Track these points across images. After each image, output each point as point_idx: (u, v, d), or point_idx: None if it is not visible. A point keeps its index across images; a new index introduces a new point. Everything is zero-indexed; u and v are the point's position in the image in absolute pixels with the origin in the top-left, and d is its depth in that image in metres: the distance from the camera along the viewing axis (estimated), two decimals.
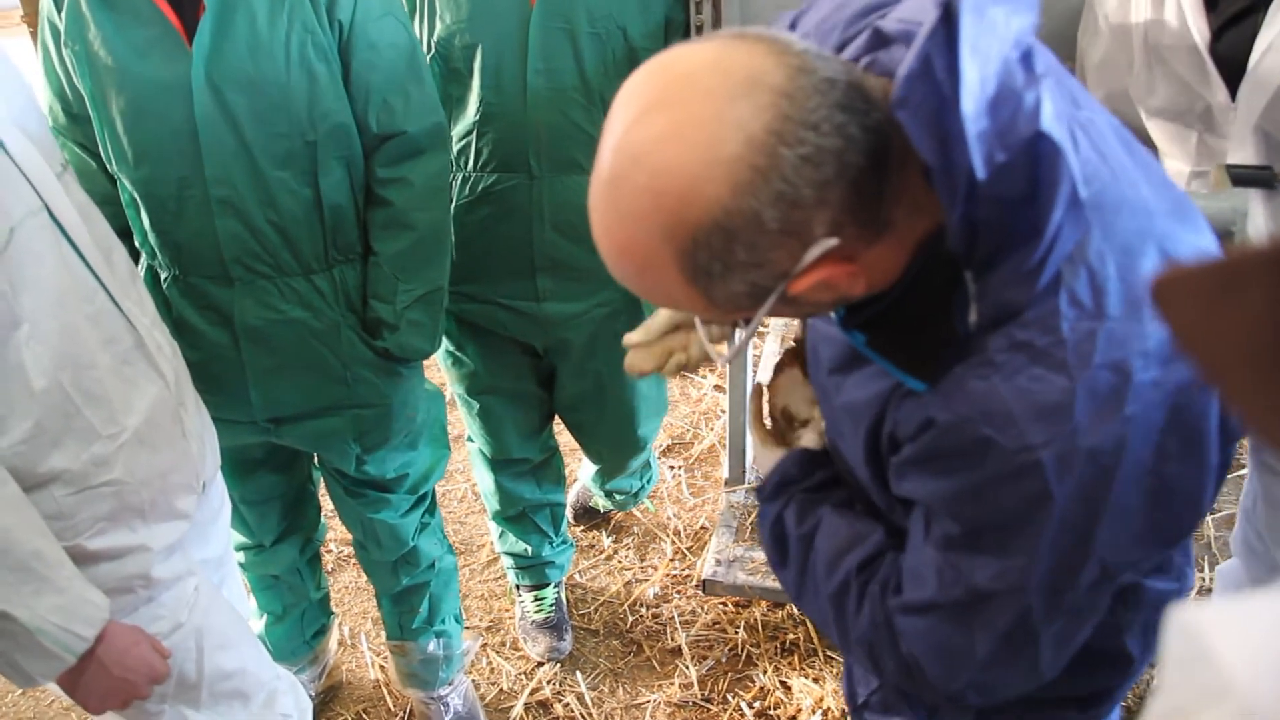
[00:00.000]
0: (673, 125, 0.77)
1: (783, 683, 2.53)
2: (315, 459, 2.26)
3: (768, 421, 1.36)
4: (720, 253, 0.79)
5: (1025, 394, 0.84)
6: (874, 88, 0.81)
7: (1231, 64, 1.56)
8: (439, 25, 2.00)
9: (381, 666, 2.67)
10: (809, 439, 1.27)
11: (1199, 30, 1.56)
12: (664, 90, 0.78)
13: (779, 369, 1.36)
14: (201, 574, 1.61)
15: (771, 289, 0.83)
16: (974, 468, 0.88)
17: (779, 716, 2.46)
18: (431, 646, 2.43)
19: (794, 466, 1.23)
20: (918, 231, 0.86)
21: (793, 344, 1.37)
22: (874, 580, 1.07)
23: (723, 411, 3.47)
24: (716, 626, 2.72)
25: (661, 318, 1.33)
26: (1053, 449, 0.83)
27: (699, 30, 2.02)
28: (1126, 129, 0.98)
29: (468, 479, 3.33)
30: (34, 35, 3.01)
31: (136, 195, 1.77)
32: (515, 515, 2.61)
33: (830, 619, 1.12)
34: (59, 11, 1.70)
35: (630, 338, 1.33)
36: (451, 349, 2.35)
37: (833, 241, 0.80)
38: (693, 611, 2.78)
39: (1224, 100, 1.56)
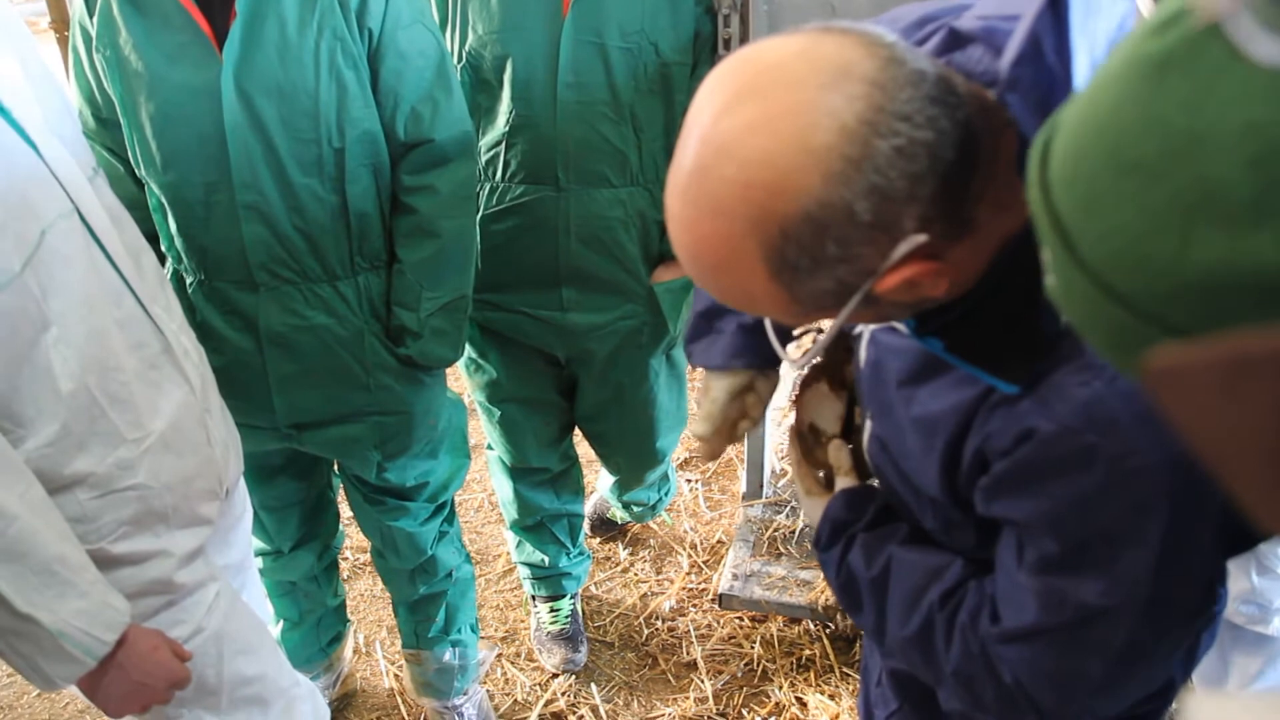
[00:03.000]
0: (762, 115, 0.74)
1: (799, 699, 2.51)
2: (335, 466, 2.26)
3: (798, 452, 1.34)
4: (810, 246, 0.77)
5: (1130, 397, 0.81)
6: (959, 83, 0.79)
7: None
8: (470, 36, 2.00)
9: (396, 675, 2.67)
10: (845, 480, 1.25)
11: None
12: (752, 80, 0.76)
13: (805, 384, 1.34)
14: (223, 579, 1.61)
15: (858, 286, 0.80)
16: (1079, 478, 0.86)
17: None
18: (447, 656, 2.42)
19: (843, 509, 1.20)
20: (1000, 232, 0.84)
21: (820, 359, 1.36)
22: (961, 611, 1.04)
23: None
24: (732, 641, 2.71)
25: (721, 402, 1.30)
26: (1160, 452, 0.82)
27: (726, 44, 2.02)
28: None
29: (485, 488, 3.33)
30: (60, 41, 3.03)
31: (164, 200, 1.78)
32: (533, 525, 2.61)
33: (918, 659, 1.09)
34: (91, 17, 1.71)
35: (698, 431, 1.31)
36: (474, 357, 2.36)
37: (921, 237, 0.78)
38: (709, 625, 2.77)
39: None
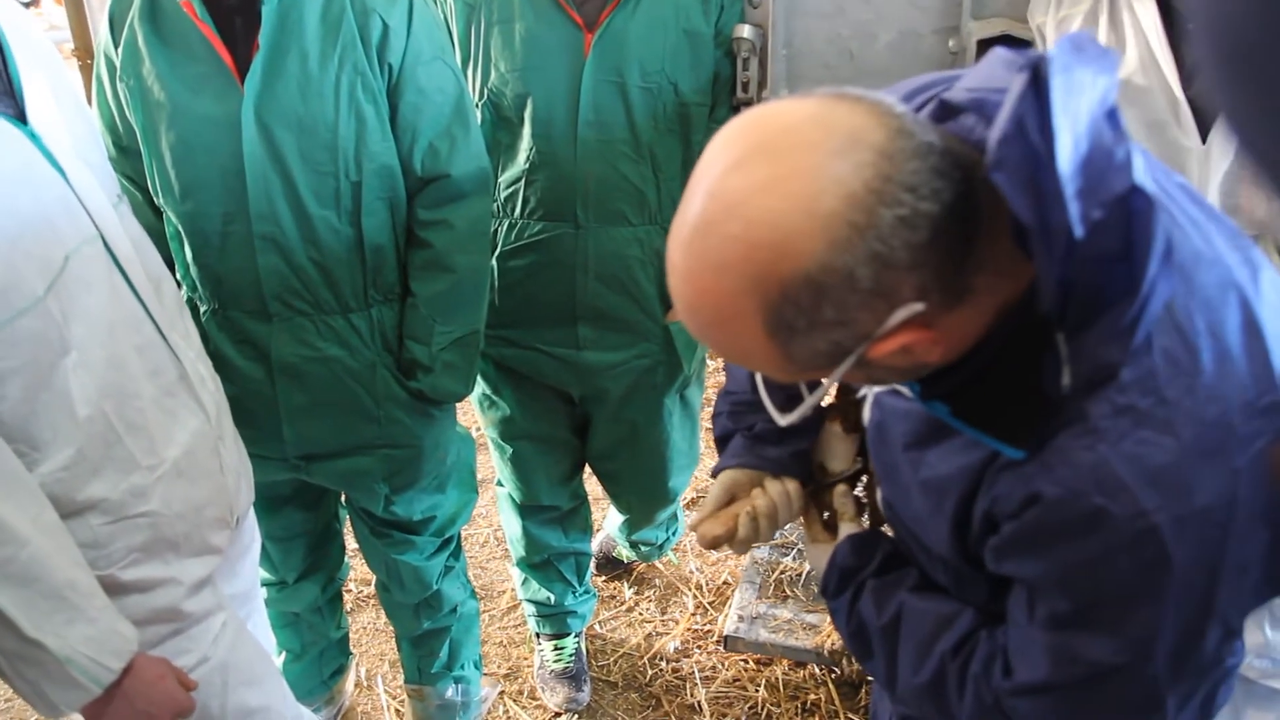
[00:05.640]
0: (772, 176, 0.76)
1: None
2: (342, 498, 2.26)
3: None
4: (808, 309, 0.78)
5: (1135, 459, 0.82)
6: (963, 153, 0.80)
7: (1201, 109, 1.54)
8: (493, 73, 2.01)
9: (398, 710, 2.64)
10: (849, 527, 1.25)
11: (1171, 72, 1.54)
12: (763, 140, 0.78)
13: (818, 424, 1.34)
14: (229, 609, 1.60)
15: (852, 349, 0.82)
16: (1087, 541, 0.86)
17: None
18: (449, 692, 2.40)
19: (851, 555, 1.20)
20: (998, 299, 0.85)
21: (832, 400, 1.35)
22: (973, 661, 1.04)
23: None
24: (737, 684, 2.68)
25: (715, 491, 1.31)
26: (1168, 512, 0.83)
27: (745, 87, 2.04)
28: (1189, 183, 0.98)
29: (491, 523, 3.31)
30: (83, 68, 3.05)
31: (181, 228, 1.79)
32: (540, 563, 2.60)
33: (930, 708, 1.10)
34: (115, 47, 1.73)
35: (694, 521, 1.32)
36: (488, 393, 2.36)
37: (919, 306, 0.79)
38: (713, 667, 2.75)
39: (1195, 145, 1.54)
